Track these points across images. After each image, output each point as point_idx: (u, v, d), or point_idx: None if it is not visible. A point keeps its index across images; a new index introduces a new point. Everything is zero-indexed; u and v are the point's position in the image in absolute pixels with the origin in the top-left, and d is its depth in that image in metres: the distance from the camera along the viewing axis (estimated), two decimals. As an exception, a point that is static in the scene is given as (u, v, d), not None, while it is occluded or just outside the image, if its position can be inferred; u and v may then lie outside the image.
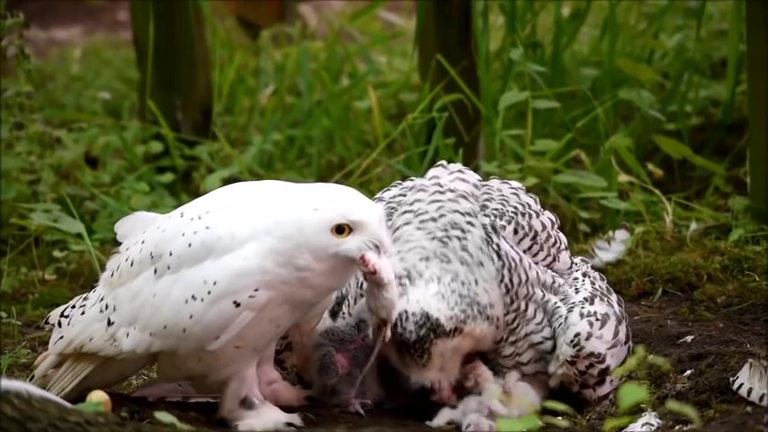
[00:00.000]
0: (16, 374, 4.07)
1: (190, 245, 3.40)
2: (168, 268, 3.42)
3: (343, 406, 3.66)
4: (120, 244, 3.61)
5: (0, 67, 5.59)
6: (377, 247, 3.37)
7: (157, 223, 3.52)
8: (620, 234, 5.07)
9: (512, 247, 3.63)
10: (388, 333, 3.50)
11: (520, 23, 5.88)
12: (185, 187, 6.03)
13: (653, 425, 3.53)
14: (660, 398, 3.74)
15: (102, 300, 3.55)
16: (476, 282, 3.57)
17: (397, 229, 3.65)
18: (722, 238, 4.98)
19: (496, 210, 3.67)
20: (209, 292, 3.36)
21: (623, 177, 5.38)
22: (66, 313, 3.64)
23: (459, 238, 3.61)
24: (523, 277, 3.62)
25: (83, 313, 3.58)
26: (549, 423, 3.39)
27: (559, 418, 3.53)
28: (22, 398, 3.00)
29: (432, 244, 3.61)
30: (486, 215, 3.65)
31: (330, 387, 3.65)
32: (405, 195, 3.73)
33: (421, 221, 3.64)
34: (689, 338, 4.22)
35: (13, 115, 5.43)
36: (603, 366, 3.63)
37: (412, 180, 3.80)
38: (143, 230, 3.54)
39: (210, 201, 3.50)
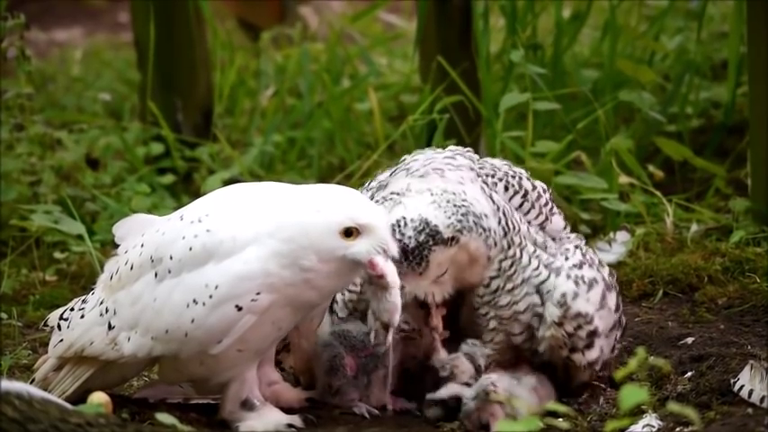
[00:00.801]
0: (17, 375, 4.07)
1: (191, 248, 3.38)
2: (169, 272, 3.40)
3: (347, 408, 3.65)
4: (118, 246, 3.61)
5: (1, 69, 5.59)
6: (384, 251, 3.37)
7: (156, 226, 3.50)
8: (621, 235, 5.07)
9: (504, 202, 3.66)
10: (390, 338, 3.50)
11: (520, 25, 5.88)
12: (186, 188, 6.03)
13: (654, 426, 3.53)
14: (661, 399, 3.74)
15: (101, 303, 3.53)
16: (464, 192, 3.58)
17: (389, 184, 3.68)
18: (723, 240, 4.98)
19: (487, 174, 3.72)
20: (210, 297, 3.35)
21: (624, 179, 5.38)
22: (65, 316, 3.62)
23: (437, 173, 3.64)
24: (516, 226, 3.63)
25: (82, 317, 3.56)
26: (549, 425, 3.39)
27: (560, 419, 3.53)
28: (22, 399, 3.00)
29: (413, 181, 3.64)
30: (477, 176, 3.68)
31: (335, 388, 3.65)
32: None
33: (408, 173, 3.68)
34: (690, 340, 4.22)
35: (13, 116, 5.44)
36: (592, 328, 3.62)
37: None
38: (141, 233, 3.53)
39: (210, 203, 3.48)
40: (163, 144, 6.07)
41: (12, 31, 5.28)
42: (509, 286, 3.63)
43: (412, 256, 3.50)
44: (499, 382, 3.58)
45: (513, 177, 3.74)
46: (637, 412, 3.54)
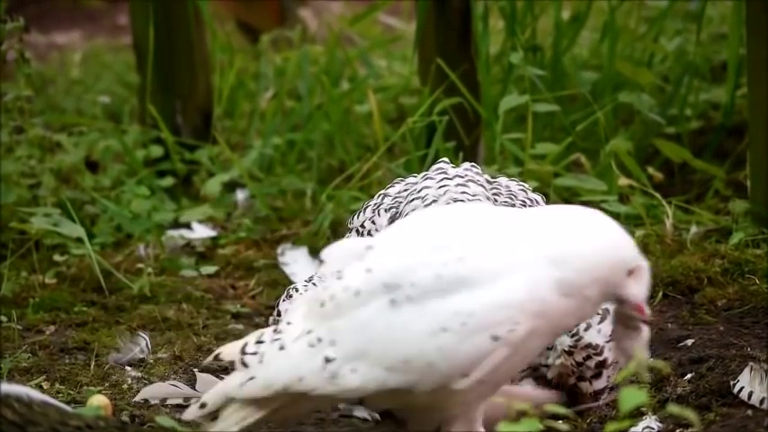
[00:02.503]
0: (16, 378, 4.07)
1: (439, 276, 3.05)
2: (409, 299, 3.04)
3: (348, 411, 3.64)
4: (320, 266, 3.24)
5: (0, 71, 5.59)
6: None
7: (384, 249, 3.14)
8: (621, 237, 5.05)
9: None
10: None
11: (520, 27, 5.89)
12: (186, 191, 6.02)
13: (653, 428, 3.52)
14: (661, 401, 3.74)
15: (310, 333, 3.10)
16: None
17: (406, 215, 3.64)
18: (723, 242, 4.98)
19: (505, 202, 3.69)
20: (463, 324, 3.02)
21: (624, 181, 5.38)
22: (249, 350, 3.12)
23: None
24: None
25: (282, 348, 3.10)
26: (549, 426, 3.39)
27: (560, 421, 3.53)
28: (22, 402, 2.99)
29: None
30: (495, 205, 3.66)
31: None
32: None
33: (425, 206, 3.64)
34: (689, 342, 4.22)
35: (13, 119, 5.43)
36: (601, 359, 3.62)
37: (415, 176, 3.79)
38: (358, 258, 3.13)
39: (453, 227, 3.15)
40: (162, 147, 6.06)
41: (11, 33, 5.28)
42: None
43: None
44: None
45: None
46: (636, 414, 3.54)
